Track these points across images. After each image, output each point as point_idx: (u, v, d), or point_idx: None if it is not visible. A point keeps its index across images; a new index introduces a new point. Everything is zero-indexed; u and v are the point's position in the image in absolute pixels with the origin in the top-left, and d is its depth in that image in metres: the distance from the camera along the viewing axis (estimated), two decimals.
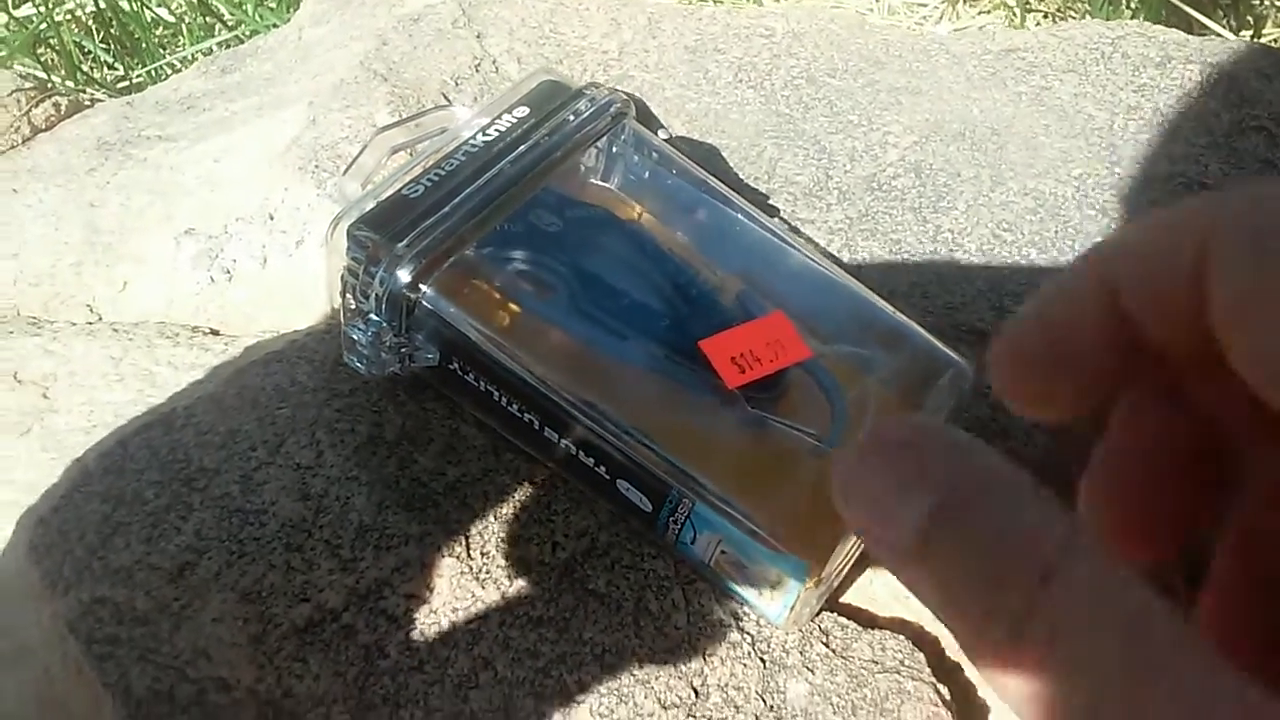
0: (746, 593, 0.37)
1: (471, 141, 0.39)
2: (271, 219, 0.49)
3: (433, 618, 0.35)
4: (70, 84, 0.75)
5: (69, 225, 0.54)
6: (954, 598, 0.18)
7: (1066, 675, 0.16)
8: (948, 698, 0.37)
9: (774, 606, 0.36)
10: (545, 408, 0.36)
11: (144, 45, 0.82)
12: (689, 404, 0.37)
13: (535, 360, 0.36)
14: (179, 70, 0.77)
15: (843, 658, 0.37)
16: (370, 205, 0.37)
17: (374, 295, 0.36)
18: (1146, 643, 0.16)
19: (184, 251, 0.50)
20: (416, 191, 0.37)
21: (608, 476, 0.36)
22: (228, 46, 0.78)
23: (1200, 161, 0.53)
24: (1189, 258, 0.17)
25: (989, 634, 0.17)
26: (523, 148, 0.39)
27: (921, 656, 0.38)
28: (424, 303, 0.36)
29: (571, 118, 0.40)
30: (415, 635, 0.35)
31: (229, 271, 0.49)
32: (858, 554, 0.36)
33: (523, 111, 0.40)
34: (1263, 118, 0.55)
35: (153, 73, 0.80)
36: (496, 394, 0.37)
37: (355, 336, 0.38)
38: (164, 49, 0.84)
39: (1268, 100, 0.56)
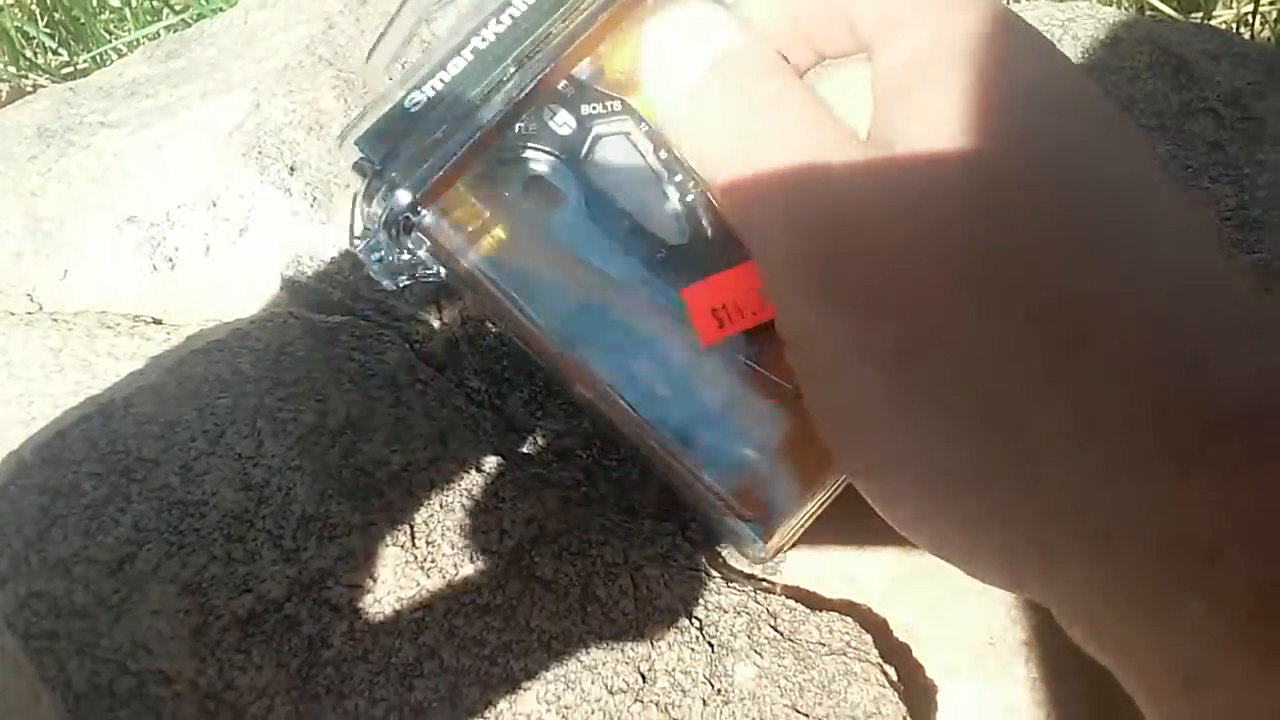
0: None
1: (480, 35, 0.35)
2: (214, 206, 0.49)
3: (377, 607, 0.35)
4: (12, 69, 0.74)
5: (8, 214, 0.52)
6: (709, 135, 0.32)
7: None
8: (895, 678, 0.38)
9: (742, 550, 0.36)
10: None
11: (89, 30, 0.81)
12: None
13: (525, 294, 0.34)
14: (124, 55, 0.76)
15: (790, 640, 0.37)
16: (372, 119, 0.34)
17: (373, 216, 0.35)
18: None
19: (126, 240, 0.49)
20: (417, 103, 0.35)
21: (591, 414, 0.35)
22: (174, 31, 0.76)
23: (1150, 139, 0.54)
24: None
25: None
26: (536, 41, 0.35)
27: (869, 638, 0.39)
28: (421, 228, 0.35)
29: None
30: (359, 625, 0.34)
31: (171, 260, 0.48)
32: (825, 505, 0.34)
33: None
34: (1211, 99, 0.56)
35: (98, 58, 0.79)
36: (502, 317, 0.35)
37: (361, 254, 0.36)
38: (109, 34, 0.82)
39: (1216, 82, 0.56)
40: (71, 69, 0.77)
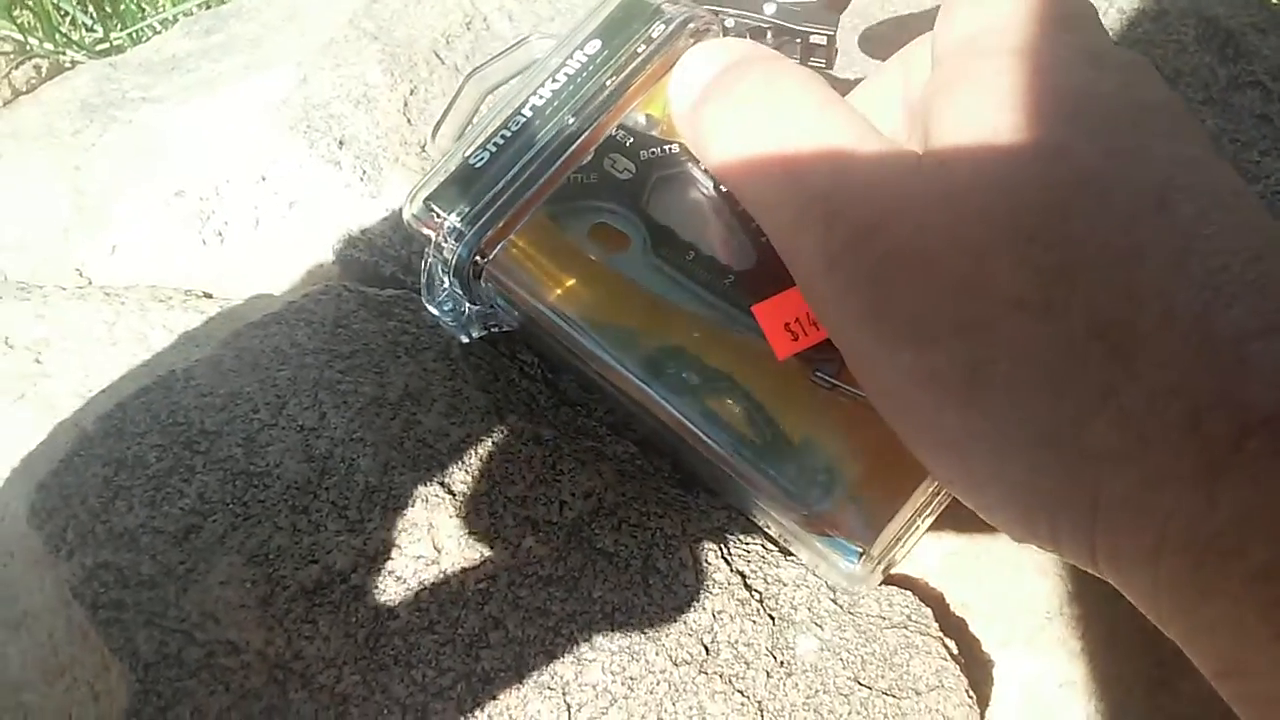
0: (809, 562, 0.37)
1: (538, 94, 0.37)
2: (263, 180, 0.49)
3: (442, 578, 0.35)
4: (49, 46, 0.74)
5: (54, 189, 0.53)
6: (710, 130, 0.31)
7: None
8: (955, 652, 0.38)
9: (833, 577, 0.36)
10: (607, 379, 0.35)
11: (123, 6, 0.81)
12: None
13: (599, 339, 0.35)
14: (160, 32, 0.76)
15: (850, 614, 0.37)
16: (440, 177, 0.36)
17: (443, 270, 0.36)
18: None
19: (174, 214, 0.49)
20: (482, 159, 0.36)
21: (671, 444, 0.36)
22: (208, 7, 0.76)
23: (1197, 117, 0.53)
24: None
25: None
26: (591, 93, 0.37)
27: (929, 611, 0.38)
28: (489, 276, 0.36)
29: (643, 47, 0.37)
30: (425, 596, 0.35)
31: (221, 234, 0.49)
32: (927, 522, 0.35)
33: (594, 47, 0.37)
34: (1259, 73, 0.55)
35: (133, 35, 0.79)
36: (575, 363, 0.36)
37: (434, 309, 0.37)
38: (143, 10, 0.82)
39: (1264, 55, 0.56)
40: (108, 45, 0.77)
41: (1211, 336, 0.23)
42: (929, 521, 0.35)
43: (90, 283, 0.49)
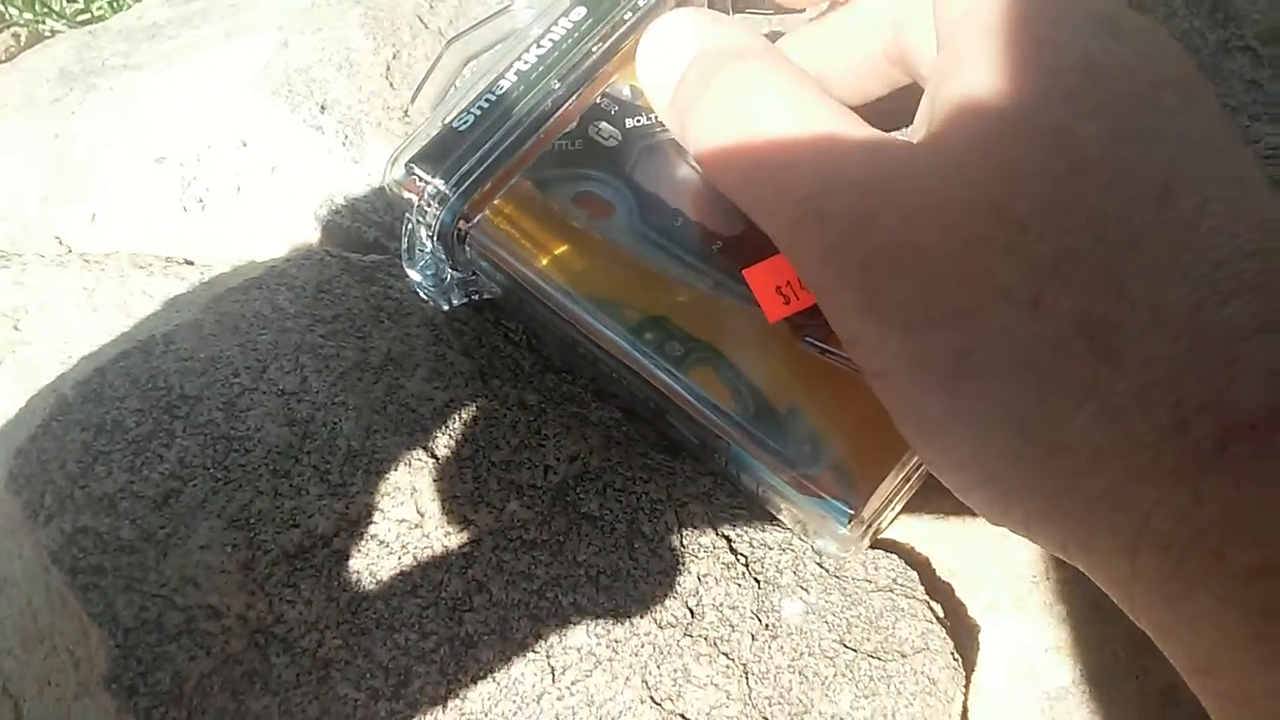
0: (794, 527, 0.37)
1: (522, 59, 0.37)
2: (245, 146, 0.48)
3: (425, 542, 0.35)
4: (29, 15, 0.73)
5: (33, 156, 0.52)
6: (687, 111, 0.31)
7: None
8: (941, 615, 0.37)
9: (820, 541, 0.36)
10: (594, 341, 0.35)
11: None
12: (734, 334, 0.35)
13: (584, 307, 0.35)
14: (140, 0, 0.75)
15: (836, 577, 0.37)
16: (422, 141, 0.36)
17: (426, 234, 0.35)
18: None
19: (155, 181, 0.49)
20: (466, 122, 0.36)
21: (655, 409, 0.36)
22: None
23: (1212, 89, 0.53)
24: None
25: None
26: (576, 59, 0.37)
27: (915, 575, 0.38)
28: (473, 240, 0.35)
29: (629, 15, 0.37)
30: (408, 559, 0.34)
31: (202, 201, 0.48)
32: (911, 489, 0.35)
33: (579, 14, 0.37)
34: (1248, 37, 0.55)
35: (113, 3, 0.78)
36: (559, 327, 0.36)
37: (415, 275, 0.37)
38: None
39: (1254, 19, 0.55)
40: (88, 15, 0.76)
41: (1202, 337, 0.22)
42: (913, 490, 0.35)
43: (70, 251, 0.49)
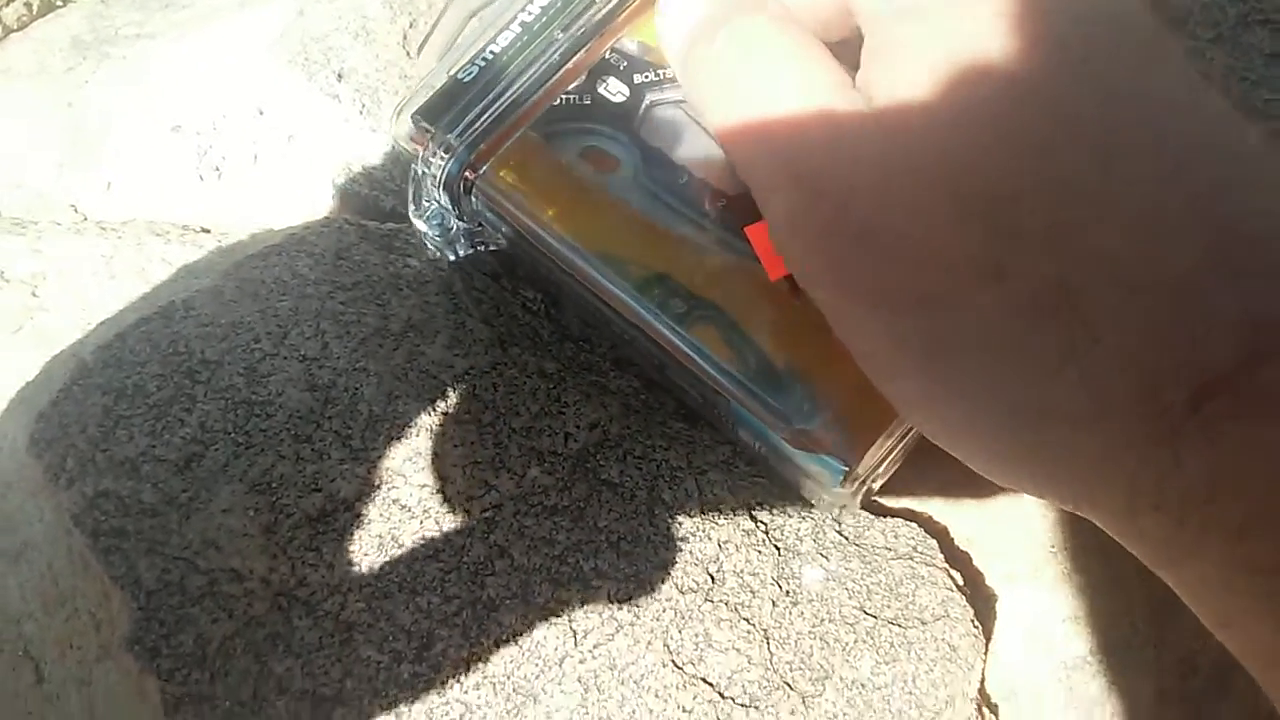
0: (793, 485, 0.37)
1: (526, 9, 0.37)
2: (261, 114, 0.48)
3: (446, 507, 0.35)
4: None
5: (47, 125, 0.52)
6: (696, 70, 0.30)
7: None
8: (960, 583, 0.38)
9: (815, 495, 0.36)
10: (599, 297, 0.35)
11: None
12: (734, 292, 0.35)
13: (589, 261, 0.34)
14: None
15: (856, 544, 0.37)
16: (426, 94, 0.35)
17: (432, 184, 0.35)
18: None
19: (171, 149, 0.48)
20: (470, 74, 0.36)
21: (657, 364, 0.36)
22: None
23: (1206, 55, 0.53)
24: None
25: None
26: (581, 8, 0.36)
27: (934, 543, 0.38)
28: (479, 191, 0.35)
29: None
30: (430, 524, 0.34)
31: (218, 169, 0.48)
32: (907, 448, 0.35)
33: None
34: (1268, 11, 0.55)
35: None
36: (563, 280, 0.36)
37: (421, 225, 0.37)
38: None
39: None
40: None
41: (1172, 296, 0.22)
42: (908, 450, 0.35)
43: (86, 219, 0.49)
